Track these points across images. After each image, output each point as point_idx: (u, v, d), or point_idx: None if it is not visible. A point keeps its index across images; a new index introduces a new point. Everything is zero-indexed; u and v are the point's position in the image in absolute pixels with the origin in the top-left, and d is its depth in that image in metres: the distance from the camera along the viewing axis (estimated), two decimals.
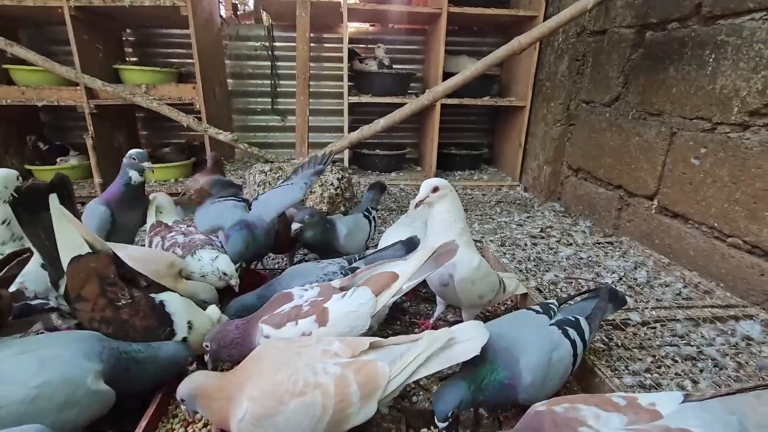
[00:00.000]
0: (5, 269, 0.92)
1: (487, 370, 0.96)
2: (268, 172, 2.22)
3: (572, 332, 1.05)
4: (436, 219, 1.25)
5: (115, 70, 2.98)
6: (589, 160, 2.66)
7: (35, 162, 3.09)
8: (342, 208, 2.29)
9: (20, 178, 1.20)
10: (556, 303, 1.16)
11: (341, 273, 1.35)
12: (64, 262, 0.96)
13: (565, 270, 1.75)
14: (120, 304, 0.98)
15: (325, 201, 2.18)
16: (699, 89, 1.88)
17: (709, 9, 1.82)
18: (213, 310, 1.18)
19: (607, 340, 1.31)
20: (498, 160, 3.85)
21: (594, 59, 2.63)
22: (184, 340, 1.07)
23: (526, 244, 1.99)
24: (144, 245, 1.56)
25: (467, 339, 0.94)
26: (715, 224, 1.81)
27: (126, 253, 1.16)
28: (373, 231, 1.90)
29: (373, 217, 1.92)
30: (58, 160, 3.09)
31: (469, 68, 2.10)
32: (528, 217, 2.62)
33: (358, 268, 1.31)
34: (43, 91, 2.81)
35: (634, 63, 2.29)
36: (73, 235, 0.98)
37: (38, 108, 3.13)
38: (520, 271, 1.71)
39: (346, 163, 3.34)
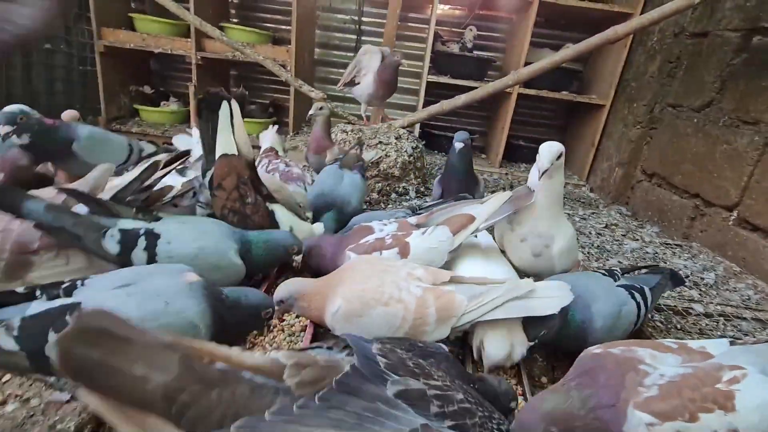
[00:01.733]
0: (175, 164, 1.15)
1: (566, 310, 1.02)
2: (350, 132, 2.38)
3: (637, 296, 1.11)
4: (550, 191, 1.18)
5: (221, 27, 3.27)
6: (667, 166, 2.59)
7: (146, 103, 3.48)
8: (411, 177, 2.41)
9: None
10: (619, 270, 1.21)
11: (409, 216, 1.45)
12: (217, 156, 1.18)
13: (629, 260, 1.76)
14: (247, 201, 1.18)
15: (398, 166, 2.32)
16: None
17: None
18: (318, 227, 1.35)
19: (665, 322, 1.34)
20: (566, 160, 3.77)
21: (689, 62, 2.54)
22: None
23: (590, 233, 2.02)
24: None
25: (549, 296, 0.99)
26: None
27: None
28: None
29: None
30: (161, 103, 3.46)
31: (558, 54, 2.12)
32: (593, 214, 2.60)
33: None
34: (160, 39, 3.16)
35: (735, 68, 2.20)
36: (228, 137, 1.19)
37: (150, 56, 3.50)
38: (584, 255, 1.75)
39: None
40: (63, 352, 0.48)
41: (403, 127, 2.51)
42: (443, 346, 0.86)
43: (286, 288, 1.06)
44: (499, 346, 0.99)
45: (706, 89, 2.37)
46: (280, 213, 1.26)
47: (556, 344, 1.19)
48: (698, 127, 2.38)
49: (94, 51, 3.10)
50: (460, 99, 2.33)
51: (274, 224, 1.23)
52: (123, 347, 0.51)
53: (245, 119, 3.50)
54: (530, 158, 3.68)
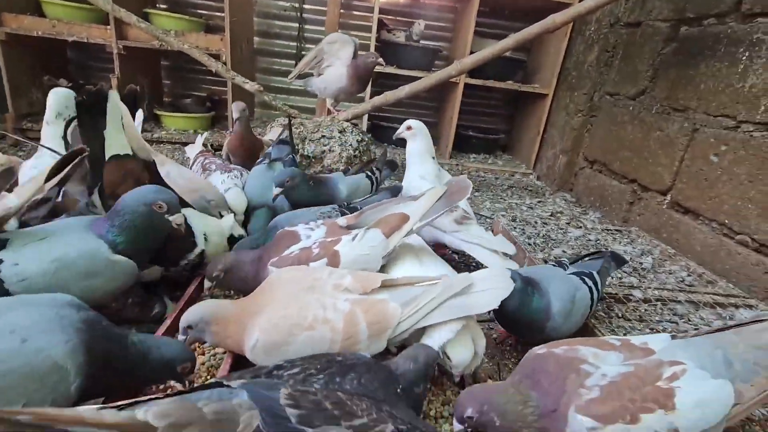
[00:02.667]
0: (68, 168, 0.95)
1: (529, 291, 1.04)
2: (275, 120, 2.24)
3: (588, 281, 1.14)
4: (411, 152, 1.71)
5: (146, 14, 2.98)
6: (607, 153, 2.67)
7: None
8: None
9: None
10: (567, 260, 1.22)
11: (337, 215, 1.35)
12: (107, 158, 1.01)
13: (573, 248, 1.78)
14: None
15: (343, 161, 2.21)
16: (728, 86, 1.88)
17: (749, 6, 1.81)
18: (227, 220, 1.21)
19: (608, 310, 1.35)
20: (514, 148, 3.85)
21: (624, 51, 2.62)
22: (202, 252, 1.11)
23: (536, 222, 2.02)
24: None
25: (487, 289, 0.93)
26: (726, 221, 1.83)
27: (167, 169, 1.21)
28: (375, 191, 1.91)
29: (376, 178, 1.93)
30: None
31: (499, 43, 2.10)
32: (539, 202, 2.64)
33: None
34: (73, 26, 2.82)
35: (665, 57, 2.28)
36: (119, 136, 1.02)
37: (66, 44, 3.15)
38: (530, 245, 1.75)
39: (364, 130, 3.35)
40: None
41: (348, 120, 2.41)
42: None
43: (196, 312, 0.91)
44: (463, 350, 0.93)
45: (640, 78, 2.45)
46: (193, 219, 1.11)
47: (516, 332, 1.19)
48: (634, 115, 2.46)
49: None
50: (404, 90, 2.26)
51: (187, 232, 1.08)
52: None
53: (181, 114, 3.29)
54: (480, 149, 3.73)
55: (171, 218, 0.98)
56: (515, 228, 1.91)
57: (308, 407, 0.60)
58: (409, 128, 1.71)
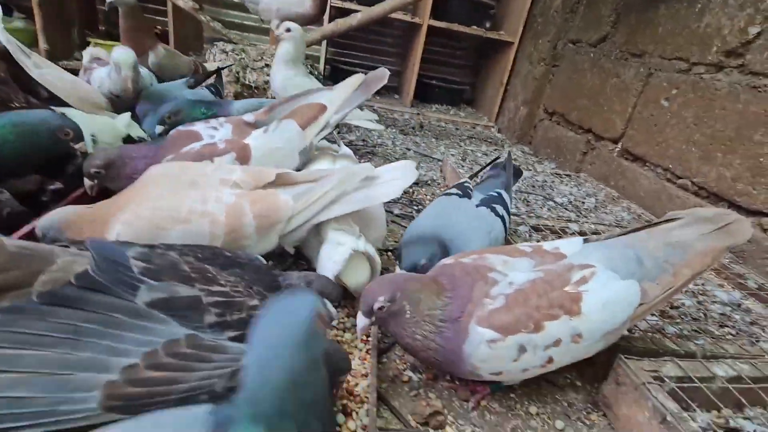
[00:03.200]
0: None
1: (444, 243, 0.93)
2: (230, 53, 2.05)
3: (499, 208, 1.05)
4: (279, 55, 1.65)
5: None
6: (565, 103, 2.62)
7: None
8: None
9: None
10: (469, 180, 1.14)
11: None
12: None
13: (519, 188, 1.74)
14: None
15: None
16: (684, 28, 1.83)
17: None
18: (123, 118, 1.07)
19: (542, 240, 1.32)
20: (478, 102, 3.76)
21: None
22: (86, 154, 0.96)
23: (485, 163, 1.97)
24: None
25: (391, 180, 0.86)
26: (670, 165, 1.83)
27: (44, 71, 1.04)
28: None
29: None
30: None
31: None
32: (495, 150, 2.59)
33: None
34: None
35: (629, 0, 2.21)
36: None
37: None
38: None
39: (321, 70, 3.16)
40: None
41: None
42: (260, 257, 0.71)
43: (49, 218, 0.79)
44: (358, 274, 0.85)
45: (603, 23, 2.38)
46: (75, 116, 0.95)
47: None
48: (594, 62, 2.40)
49: None
50: (356, 17, 2.10)
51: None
52: None
53: (117, 42, 2.98)
54: (443, 99, 3.61)
55: (77, 146, 0.89)
56: (463, 166, 1.85)
57: (160, 265, 0.52)
58: (288, 30, 1.63)
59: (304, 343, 0.41)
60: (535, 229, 1.37)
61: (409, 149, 2.27)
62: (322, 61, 3.16)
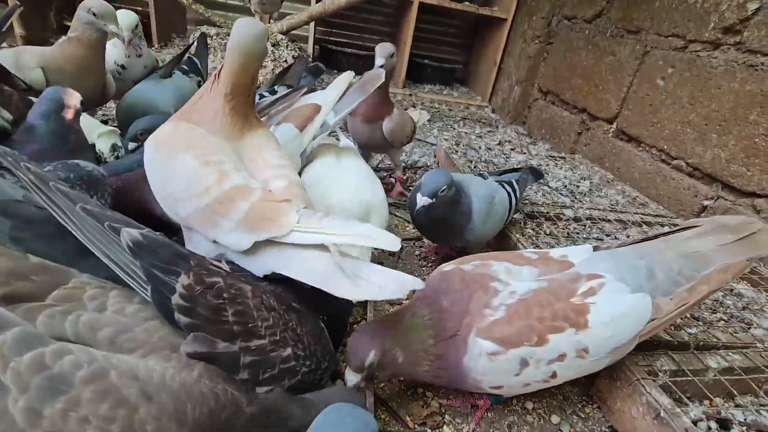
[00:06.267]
0: None
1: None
2: (215, 37, 1.98)
3: (507, 187, 1.11)
4: None
5: None
6: (560, 82, 2.57)
7: None
8: None
9: None
10: (487, 173, 1.18)
11: None
12: None
13: None
14: None
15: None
16: (681, 3, 1.78)
17: None
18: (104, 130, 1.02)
19: (537, 228, 1.31)
20: (471, 81, 3.69)
21: None
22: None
23: (480, 148, 1.95)
24: None
25: (377, 284, 0.63)
26: (665, 146, 1.81)
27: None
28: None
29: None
30: None
31: None
32: (489, 132, 2.55)
33: None
34: None
35: None
36: None
37: None
38: (469, 168, 1.67)
39: (310, 52, 3.06)
40: None
41: (283, 33, 2.15)
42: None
43: None
44: None
45: None
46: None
47: (434, 236, 1.16)
48: (588, 39, 2.34)
49: None
50: None
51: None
52: None
53: None
54: (436, 79, 3.53)
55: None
56: (457, 152, 1.83)
57: (203, 315, 0.53)
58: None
59: None
60: (530, 216, 1.36)
61: None
62: (311, 42, 3.06)
